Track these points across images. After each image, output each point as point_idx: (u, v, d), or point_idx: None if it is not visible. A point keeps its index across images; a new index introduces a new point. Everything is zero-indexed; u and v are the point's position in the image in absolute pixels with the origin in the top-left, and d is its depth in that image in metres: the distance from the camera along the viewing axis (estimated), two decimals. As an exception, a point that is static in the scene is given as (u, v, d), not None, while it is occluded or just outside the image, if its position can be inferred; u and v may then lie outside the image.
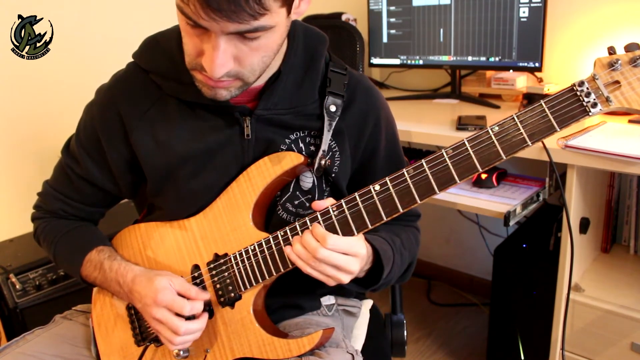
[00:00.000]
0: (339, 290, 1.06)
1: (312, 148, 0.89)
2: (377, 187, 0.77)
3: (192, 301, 0.83)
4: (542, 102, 0.71)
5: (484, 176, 1.42)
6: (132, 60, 0.92)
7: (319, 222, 0.79)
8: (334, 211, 0.79)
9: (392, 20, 1.87)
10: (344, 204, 0.79)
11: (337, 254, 0.76)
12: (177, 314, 0.82)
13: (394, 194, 0.76)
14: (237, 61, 0.73)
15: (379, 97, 0.95)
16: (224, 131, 0.87)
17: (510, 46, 1.63)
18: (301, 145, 0.88)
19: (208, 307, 0.87)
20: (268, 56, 0.76)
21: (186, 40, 0.75)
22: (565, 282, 1.29)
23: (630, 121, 1.36)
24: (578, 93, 0.71)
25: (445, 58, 1.79)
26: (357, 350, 0.94)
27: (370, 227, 0.78)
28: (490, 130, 0.73)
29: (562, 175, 1.26)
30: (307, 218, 0.81)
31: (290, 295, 0.96)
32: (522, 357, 1.56)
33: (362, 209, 0.78)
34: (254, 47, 0.72)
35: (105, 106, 0.91)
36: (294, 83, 0.87)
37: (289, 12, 0.73)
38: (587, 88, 0.70)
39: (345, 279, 0.79)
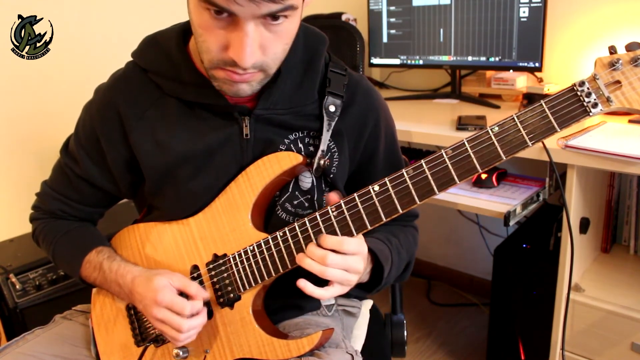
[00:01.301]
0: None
1: (311, 148, 0.89)
2: (377, 188, 0.77)
3: (192, 300, 0.83)
4: (542, 102, 0.71)
5: (484, 176, 1.42)
6: (131, 59, 0.92)
7: (331, 223, 0.79)
8: (333, 212, 0.79)
9: (392, 20, 1.87)
10: (343, 204, 0.78)
11: (345, 256, 0.77)
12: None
13: (393, 195, 0.76)
14: (261, 49, 0.73)
15: (378, 98, 0.95)
16: (223, 131, 0.87)
17: (510, 46, 1.63)
18: (300, 145, 0.88)
19: (207, 308, 0.87)
20: (288, 44, 0.76)
21: (206, 36, 0.73)
22: (565, 282, 1.29)
23: (630, 121, 1.36)
24: (578, 93, 0.70)
25: (445, 58, 1.79)
26: (356, 350, 0.93)
27: (369, 227, 0.78)
28: (490, 131, 0.73)
29: (562, 175, 1.26)
30: (306, 219, 0.80)
31: (290, 296, 0.96)
32: (522, 357, 1.56)
33: (362, 210, 0.77)
34: (277, 33, 0.72)
35: (105, 106, 0.90)
36: (293, 83, 0.87)
37: None
38: (588, 88, 0.70)
39: (354, 279, 0.79)
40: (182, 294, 0.84)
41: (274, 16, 0.70)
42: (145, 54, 0.90)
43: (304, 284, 0.78)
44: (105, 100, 0.91)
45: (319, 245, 0.78)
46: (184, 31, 0.88)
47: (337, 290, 0.79)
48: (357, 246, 0.78)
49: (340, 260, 0.76)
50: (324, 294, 0.78)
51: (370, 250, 0.83)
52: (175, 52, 0.86)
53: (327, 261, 0.76)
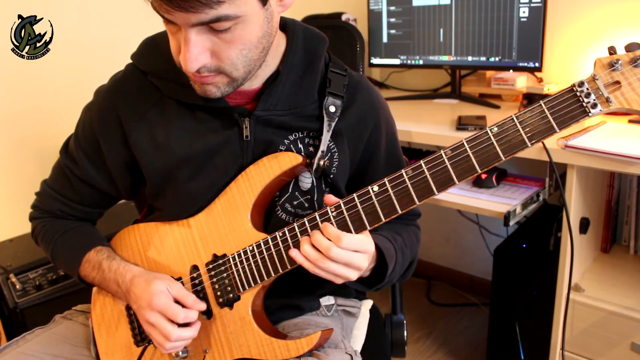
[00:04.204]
0: (339, 291, 1.06)
1: (311, 149, 0.89)
2: (376, 188, 0.77)
3: (187, 309, 0.83)
4: (541, 102, 0.71)
5: (484, 176, 1.42)
6: (131, 61, 0.92)
7: (330, 222, 0.78)
8: (332, 212, 0.79)
9: (392, 20, 1.86)
10: (342, 205, 0.78)
11: (349, 251, 0.76)
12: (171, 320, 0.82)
13: (392, 195, 0.76)
14: (214, 55, 0.74)
15: (378, 98, 0.95)
16: (223, 132, 0.87)
17: (510, 46, 1.63)
18: (300, 146, 0.88)
19: (206, 308, 0.87)
20: (248, 49, 0.75)
21: (170, 39, 0.77)
22: (565, 282, 1.29)
23: (630, 121, 1.36)
24: (578, 94, 0.70)
25: (445, 58, 1.79)
26: (356, 350, 0.93)
27: (368, 228, 0.78)
28: (489, 131, 0.72)
29: (562, 175, 1.26)
30: (305, 219, 0.80)
31: (289, 296, 0.96)
32: (522, 357, 1.56)
33: (361, 210, 0.77)
34: (227, 40, 0.72)
35: (104, 108, 0.91)
36: (293, 83, 0.87)
37: (263, 2, 0.73)
38: (587, 88, 0.70)
39: (354, 275, 0.79)
40: (179, 303, 0.84)
41: (217, 24, 0.70)
42: (145, 56, 0.90)
43: (295, 254, 0.78)
44: (105, 103, 0.91)
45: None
46: None
47: (328, 277, 0.78)
48: (360, 244, 0.77)
49: (344, 255, 0.75)
50: (311, 268, 0.77)
51: (376, 247, 0.82)
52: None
53: (330, 253, 0.75)
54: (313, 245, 0.77)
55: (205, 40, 0.72)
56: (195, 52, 0.72)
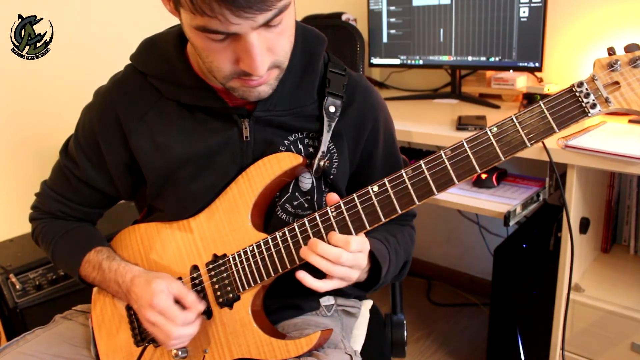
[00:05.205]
0: (339, 291, 1.06)
1: (311, 149, 0.89)
2: (376, 188, 0.77)
3: (186, 311, 0.83)
4: (540, 102, 0.71)
5: (484, 176, 1.42)
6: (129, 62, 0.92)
7: (330, 223, 0.79)
8: (332, 212, 0.79)
9: (392, 20, 1.86)
10: (342, 205, 0.78)
11: (355, 253, 0.77)
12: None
13: (392, 195, 0.76)
14: (270, 51, 0.74)
15: (377, 98, 0.95)
16: (223, 133, 0.87)
17: (510, 46, 1.63)
18: (300, 146, 0.88)
19: (206, 308, 0.88)
20: (292, 34, 0.77)
21: (213, 57, 0.73)
22: (565, 282, 1.29)
23: (630, 121, 1.36)
24: (577, 94, 0.70)
25: (445, 58, 1.79)
26: (355, 350, 0.93)
27: (368, 228, 0.78)
28: (489, 131, 0.73)
29: (562, 175, 1.26)
30: (305, 219, 0.80)
31: (289, 296, 0.96)
32: (522, 357, 1.56)
33: (361, 210, 0.77)
34: (279, 32, 0.73)
35: (104, 109, 0.91)
36: (292, 84, 0.87)
37: None
38: (586, 89, 0.70)
39: (355, 275, 0.80)
40: (179, 302, 0.84)
41: (277, 18, 0.70)
42: (144, 57, 0.90)
43: (303, 276, 0.78)
44: (104, 104, 0.91)
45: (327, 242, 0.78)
46: (181, 34, 0.88)
47: (336, 284, 0.80)
48: (361, 244, 0.79)
49: (351, 259, 0.77)
50: (323, 287, 0.79)
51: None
52: (173, 55, 0.86)
53: (341, 260, 0.76)
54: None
55: (263, 40, 0.71)
56: (262, 54, 0.71)
